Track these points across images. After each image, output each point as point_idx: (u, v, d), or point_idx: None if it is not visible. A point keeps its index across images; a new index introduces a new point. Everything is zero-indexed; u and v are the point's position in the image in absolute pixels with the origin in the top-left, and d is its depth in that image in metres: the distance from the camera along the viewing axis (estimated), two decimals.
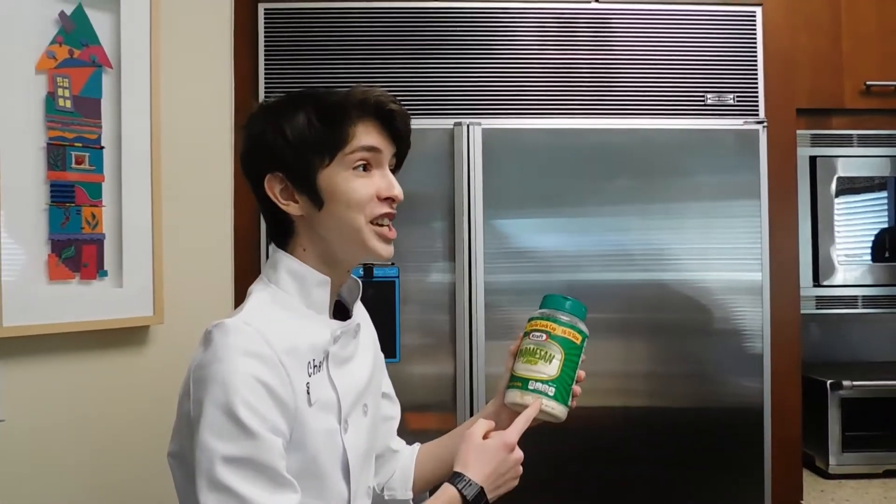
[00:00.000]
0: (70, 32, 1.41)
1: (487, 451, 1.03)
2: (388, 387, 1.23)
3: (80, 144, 1.41)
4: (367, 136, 1.01)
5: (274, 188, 1.01)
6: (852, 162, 1.98)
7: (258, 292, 1.02)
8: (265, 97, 1.74)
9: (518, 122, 1.76)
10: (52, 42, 1.38)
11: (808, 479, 1.92)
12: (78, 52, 1.42)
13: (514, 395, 1.09)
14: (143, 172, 1.51)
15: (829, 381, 1.92)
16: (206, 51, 1.72)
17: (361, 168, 1.01)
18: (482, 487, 1.01)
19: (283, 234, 1.04)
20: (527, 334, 1.12)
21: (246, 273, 1.74)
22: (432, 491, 1.06)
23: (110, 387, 1.46)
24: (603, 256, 1.75)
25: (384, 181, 1.02)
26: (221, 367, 0.90)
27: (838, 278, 1.98)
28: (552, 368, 1.07)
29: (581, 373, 1.12)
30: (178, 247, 1.59)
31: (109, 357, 1.46)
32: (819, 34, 1.93)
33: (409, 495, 1.21)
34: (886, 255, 1.99)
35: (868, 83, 1.94)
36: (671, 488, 1.75)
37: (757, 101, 1.80)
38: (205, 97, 1.71)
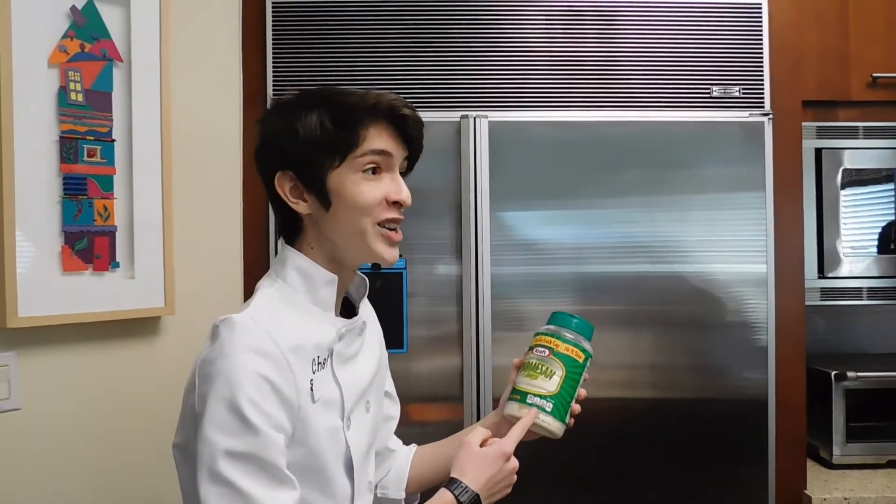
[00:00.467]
0: (81, 27, 1.42)
1: (484, 458, 1.05)
2: (390, 386, 1.24)
3: (91, 138, 1.43)
4: (378, 139, 1.01)
5: (284, 186, 1.02)
6: (858, 154, 1.98)
7: (266, 288, 1.03)
8: (273, 89, 1.76)
9: (524, 114, 1.77)
10: (64, 36, 1.39)
11: (813, 469, 1.93)
12: (89, 46, 1.43)
13: (513, 408, 1.11)
14: (154, 165, 1.52)
15: (833, 373, 1.92)
16: (215, 44, 1.73)
17: (371, 171, 1.01)
18: (478, 494, 1.03)
19: (292, 231, 1.05)
20: (531, 349, 1.13)
21: (255, 264, 1.76)
22: (425, 494, 1.08)
23: (123, 376, 1.48)
24: (609, 248, 1.76)
25: (393, 185, 1.03)
26: (227, 362, 0.91)
27: (843, 270, 1.98)
28: (552, 384, 1.09)
29: (582, 391, 1.14)
30: (188, 238, 1.61)
31: (122, 347, 1.48)
32: (826, 26, 1.93)
33: (402, 495, 1.22)
34: (892, 246, 2.00)
35: (875, 75, 1.94)
36: (676, 478, 1.76)
37: (763, 94, 1.81)
38: (214, 90, 1.72)
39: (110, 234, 1.45)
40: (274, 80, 1.76)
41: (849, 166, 1.98)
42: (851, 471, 1.93)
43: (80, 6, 1.41)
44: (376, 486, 1.21)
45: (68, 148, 1.39)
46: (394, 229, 1.04)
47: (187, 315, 1.57)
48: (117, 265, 1.46)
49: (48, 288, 1.34)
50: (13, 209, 1.28)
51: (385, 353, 1.20)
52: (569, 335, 1.12)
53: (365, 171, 1.01)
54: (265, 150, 1.04)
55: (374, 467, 1.18)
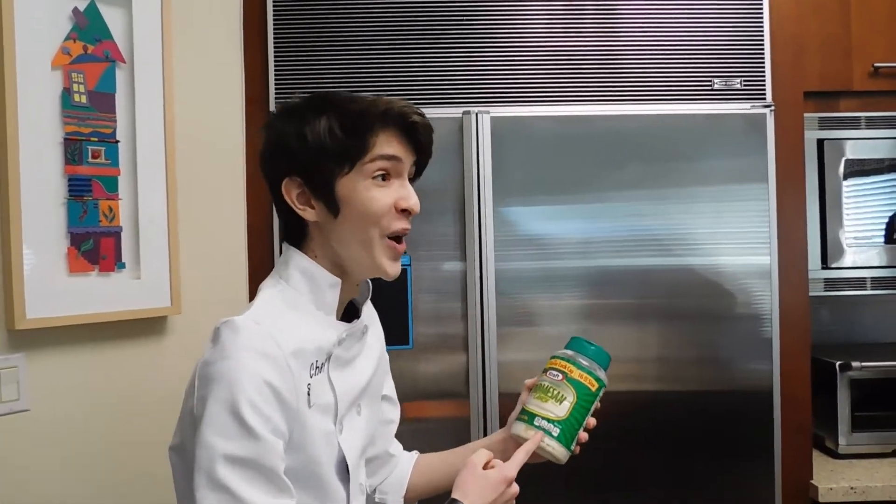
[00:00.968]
0: (84, 28, 1.42)
1: (488, 482, 1.03)
2: (389, 389, 1.22)
3: (95, 139, 1.43)
4: (388, 145, 1.00)
5: (291, 192, 1.00)
6: (860, 144, 1.98)
7: (268, 289, 1.01)
8: (275, 89, 1.76)
9: (527, 109, 1.77)
10: (67, 38, 1.40)
11: (819, 459, 1.94)
12: (92, 47, 1.44)
13: (520, 428, 1.10)
14: (158, 166, 1.53)
15: (838, 363, 1.93)
16: (216, 44, 1.74)
17: (381, 178, 1.00)
18: None
19: (297, 237, 1.04)
20: (545, 371, 1.12)
21: (260, 266, 1.76)
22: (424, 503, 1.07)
23: (131, 376, 1.49)
24: (612, 242, 1.76)
25: (403, 191, 1.01)
26: (229, 365, 0.90)
27: (847, 260, 1.98)
28: (561, 410, 1.08)
29: (591, 420, 1.13)
30: (193, 238, 1.61)
31: (130, 347, 1.49)
32: (827, 16, 1.93)
33: (401, 502, 1.21)
34: (895, 236, 2.00)
35: (877, 65, 1.94)
36: (683, 470, 1.77)
37: (764, 85, 1.81)
38: (216, 91, 1.73)
39: (116, 234, 1.46)
40: (276, 80, 1.76)
41: (851, 157, 1.98)
42: (858, 460, 1.93)
43: (82, 8, 1.42)
44: (375, 491, 1.20)
45: (73, 149, 1.39)
46: (399, 240, 1.03)
47: (194, 315, 1.58)
48: (123, 266, 1.47)
49: (55, 289, 1.35)
50: (19, 211, 1.29)
51: (385, 356, 1.18)
52: (584, 362, 1.11)
53: (374, 177, 0.99)
54: (272, 156, 1.02)
55: (372, 472, 1.17)
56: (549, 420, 1.07)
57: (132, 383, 1.49)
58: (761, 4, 1.81)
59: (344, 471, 1.02)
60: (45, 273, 1.33)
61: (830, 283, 1.98)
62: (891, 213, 2.00)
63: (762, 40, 1.81)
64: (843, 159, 1.98)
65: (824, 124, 1.98)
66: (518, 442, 1.11)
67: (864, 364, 1.92)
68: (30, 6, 1.32)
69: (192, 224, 1.61)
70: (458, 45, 1.78)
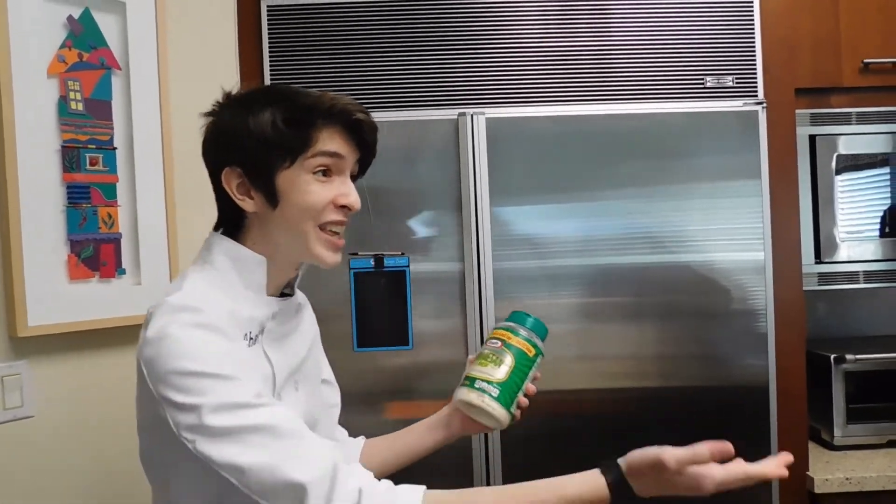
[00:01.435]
0: (79, 35, 1.43)
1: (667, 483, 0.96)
2: (328, 374, 1.23)
3: (93, 146, 1.44)
4: (330, 141, 1.00)
5: (231, 182, 1.01)
6: (852, 139, 2.00)
7: (193, 273, 1.01)
8: None
9: (521, 110, 1.78)
10: (62, 46, 1.40)
11: (815, 451, 1.96)
12: (87, 55, 1.44)
13: (461, 392, 1.14)
14: (156, 171, 1.54)
15: (832, 356, 1.95)
16: (211, 49, 1.74)
17: (322, 173, 1.00)
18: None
19: (235, 226, 1.04)
20: (487, 341, 1.18)
21: None
22: None
23: (134, 381, 1.49)
24: (609, 240, 1.78)
25: (343, 188, 1.02)
26: (170, 337, 0.89)
27: (840, 255, 2.00)
28: (500, 372, 1.13)
29: (531, 387, 1.16)
30: (193, 243, 1.61)
31: (132, 353, 1.48)
32: (818, 14, 1.94)
33: None
34: (887, 230, 2.02)
35: (866, 61, 1.96)
36: None
37: (756, 83, 1.83)
38: (212, 96, 1.72)
39: (115, 241, 1.47)
40: (272, 83, 1.77)
41: (843, 152, 2.00)
42: (853, 451, 1.95)
43: (76, 15, 1.42)
44: None
45: (70, 157, 1.40)
46: (337, 233, 1.03)
47: None
48: (124, 272, 1.47)
49: (56, 296, 1.35)
50: (18, 219, 1.30)
51: (318, 341, 1.19)
52: (523, 332, 1.17)
53: (315, 172, 1.00)
54: (214, 144, 1.03)
55: None
56: (489, 382, 1.12)
57: (134, 389, 1.49)
58: (752, 3, 1.82)
59: None
60: (45, 280, 1.34)
61: (824, 278, 2.00)
62: (884, 207, 2.03)
63: (753, 38, 1.82)
64: (836, 154, 2.00)
65: (816, 120, 2.00)
66: (462, 410, 1.15)
67: (858, 357, 1.94)
68: (24, 14, 1.33)
69: (191, 229, 1.61)
70: (453, 46, 1.79)
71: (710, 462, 0.95)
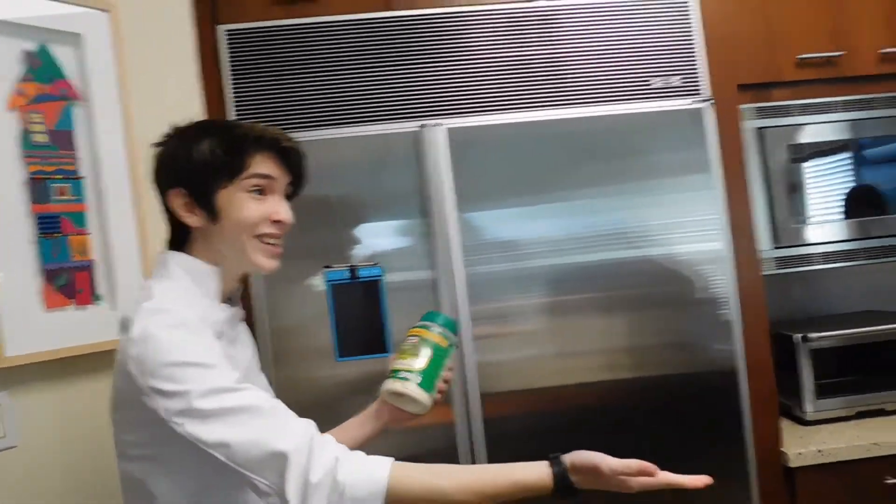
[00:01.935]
0: (37, 69, 1.43)
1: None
2: (266, 387, 1.30)
3: (60, 176, 1.44)
4: (263, 165, 1.13)
5: (177, 201, 1.13)
6: (797, 130, 2.10)
7: (157, 285, 1.10)
8: (236, 115, 1.79)
9: (481, 118, 1.83)
10: (22, 80, 1.40)
11: (788, 427, 2.02)
12: (48, 87, 1.45)
13: (387, 383, 1.26)
14: (125, 198, 1.54)
15: (799, 336, 2.02)
16: (173, 75, 1.76)
17: (257, 192, 1.13)
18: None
19: (181, 241, 1.16)
20: (405, 340, 1.31)
21: None
22: None
23: None
24: (575, 239, 1.83)
25: (277, 206, 1.15)
26: (154, 335, 1.00)
27: (796, 239, 2.09)
28: (420, 362, 1.26)
29: (448, 374, 1.31)
30: None
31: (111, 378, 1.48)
32: (751, 12, 2.04)
33: None
34: (843, 215, 2.10)
35: (799, 57, 2.06)
36: (659, 452, 1.79)
37: (700, 82, 1.90)
38: (176, 120, 1.74)
39: (88, 268, 1.47)
40: (236, 106, 1.79)
41: (790, 142, 2.09)
42: (825, 425, 2.02)
43: (33, 49, 1.43)
44: None
45: (38, 188, 1.40)
46: (273, 244, 1.15)
47: None
48: (100, 298, 1.47)
49: (33, 326, 1.35)
50: None
51: (257, 355, 1.29)
52: (436, 328, 1.30)
53: (251, 191, 1.13)
54: (162, 169, 1.16)
55: None
56: (410, 371, 1.25)
57: None
58: (688, 6, 1.90)
59: None
60: (21, 310, 1.33)
61: (782, 262, 2.08)
62: (835, 192, 2.12)
63: (693, 40, 1.90)
64: (786, 144, 2.08)
65: (762, 114, 2.09)
66: (390, 402, 1.28)
67: (822, 334, 2.02)
68: None
69: None
70: (412, 60, 1.84)
71: (636, 476, 1.09)
